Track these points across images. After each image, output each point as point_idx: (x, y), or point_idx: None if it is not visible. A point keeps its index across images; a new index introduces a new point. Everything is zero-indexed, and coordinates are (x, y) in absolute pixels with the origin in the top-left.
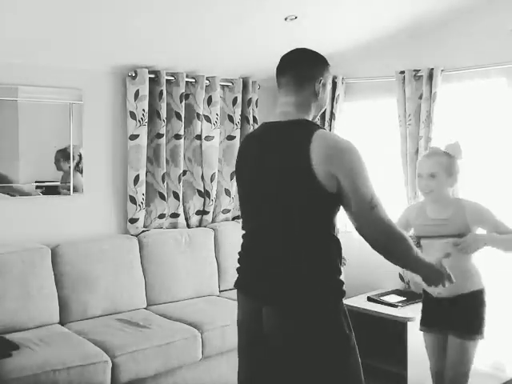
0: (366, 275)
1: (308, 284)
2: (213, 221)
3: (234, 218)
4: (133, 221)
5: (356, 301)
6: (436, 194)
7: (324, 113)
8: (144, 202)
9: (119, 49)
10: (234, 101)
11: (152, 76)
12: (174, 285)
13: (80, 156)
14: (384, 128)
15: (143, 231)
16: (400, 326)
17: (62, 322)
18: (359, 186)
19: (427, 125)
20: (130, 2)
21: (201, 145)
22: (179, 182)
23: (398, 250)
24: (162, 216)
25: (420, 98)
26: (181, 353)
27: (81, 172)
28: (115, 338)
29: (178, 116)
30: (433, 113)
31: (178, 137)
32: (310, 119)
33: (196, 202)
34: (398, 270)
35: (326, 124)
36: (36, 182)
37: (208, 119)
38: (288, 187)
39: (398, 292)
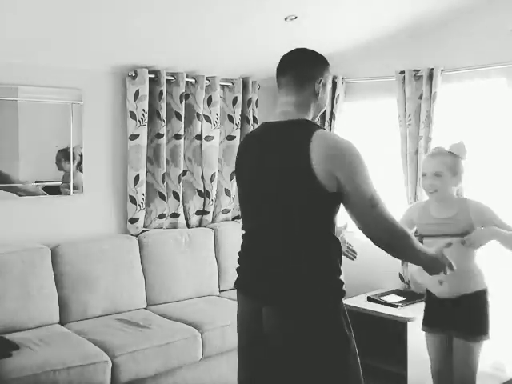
0: (366, 275)
1: (308, 284)
2: (213, 221)
3: (234, 218)
4: (133, 221)
5: (356, 301)
6: (440, 193)
7: (324, 113)
8: (144, 202)
9: (119, 49)
10: (234, 101)
11: (152, 76)
12: (173, 285)
13: (81, 156)
14: (384, 128)
15: (143, 231)
16: (400, 326)
17: (62, 322)
18: (359, 185)
19: (427, 125)
20: (130, 2)
21: (201, 145)
22: (179, 182)
23: (401, 246)
24: (161, 216)
25: (420, 98)
26: (181, 353)
27: (82, 172)
28: (115, 337)
29: (178, 116)
30: (433, 113)
31: (177, 137)
32: (310, 119)
33: (196, 202)
34: (398, 269)
35: (326, 124)
36: (36, 181)
37: (208, 119)
38: (288, 187)
39: (398, 292)
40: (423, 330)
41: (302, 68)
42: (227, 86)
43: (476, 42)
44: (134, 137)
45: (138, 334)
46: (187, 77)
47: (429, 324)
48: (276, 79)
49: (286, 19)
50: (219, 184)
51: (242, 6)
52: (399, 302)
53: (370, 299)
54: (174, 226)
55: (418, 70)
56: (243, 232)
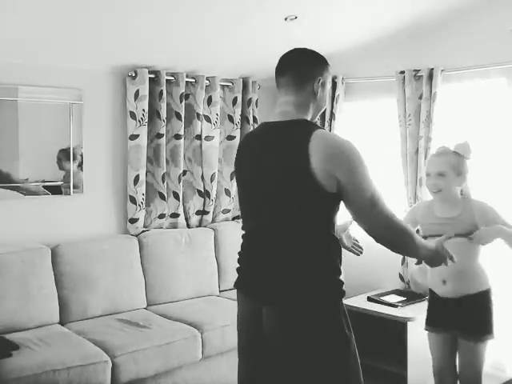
0: (366, 275)
1: (308, 284)
2: (213, 221)
3: (234, 218)
4: (133, 221)
5: (356, 301)
6: (444, 193)
7: (324, 113)
8: (144, 202)
9: (119, 49)
10: (234, 101)
11: (152, 76)
12: (173, 285)
13: (82, 156)
14: (384, 128)
15: (143, 231)
16: (400, 326)
17: (62, 322)
18: (360, 185)
19: (427, 125)
20: (130, 2)
21: (201, 145)
22: (179, 182)
23: (402, 243)
24: (162, 216)
25: (420, 98)
26: (181, 353)
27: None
28: (115, 337)
29: (178, 116)
30: (433, 113)
31: (177, 137)
32: (310, 119)
33: (196, 202)
34: (398, 269)
35: (326, 124)
36: (36, 181)
37: (208, 119)
38: (287, 187)
39: (398, 292)
40: (426, 329)
41: (301, 68)
42: (227, 85)
43: (476, 42)
44: (133, 137)
45: (138, 334)
46: (187, 77)
47: (432, 324)
48: (275, 79)
49: (286, 19)
50: (219, 184)
51: (241, 5)
52: (399, 302)
53: (369, 299)
54: (174, 226)
55: (418, 70)
56: (243, 232)
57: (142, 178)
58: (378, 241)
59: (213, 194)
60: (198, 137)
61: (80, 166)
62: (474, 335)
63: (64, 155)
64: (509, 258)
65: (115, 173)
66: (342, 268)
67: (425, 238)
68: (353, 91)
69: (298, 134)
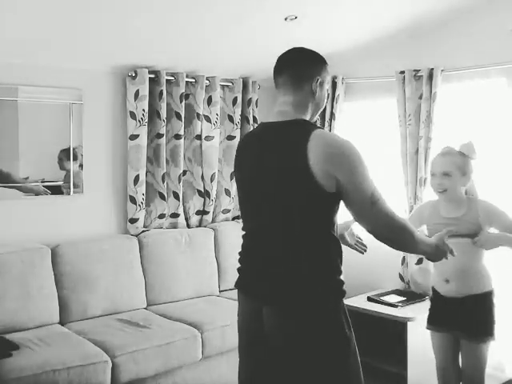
0: (365, 275)
1: (308, 284)
2: (213, 221)
3: (234, 218)
4: (133, 221)
5: (356, 301)
6: (449, 193)
7: (324, 113)
8: (144, 202)
9: (119, 49)
10: (234, 101)
11: (152, 76)
12: (174, 285)
13: (82, 156)
14: (384, 128)
15: (143, 231)
16: (400, 326)
17: (62, 322)
18: (359, 184)
19: (427, 125)
20: (130, 2)
21: (201, 145)
22: (179, 182)
23: (402, 240)
24: (162, 216)
25: (420, 98)
26: (181, 353)
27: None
28: (115, 337)
29: (178, 116)
30: (433, 113)
31: (177, 137)
32: (308, 118)
33: (196, 202)
34: (398, 269)
35: (326, 124)
36: (36, 181)
37: (208, 119)
38: (286, 187)
39: (398, 292)
40: (428, 328)
41: (299, 67)
42: (227, 85)
43: (476, 42)
44: (133, 137)
45: (138, 334)
46: (187, 77)
47: (433, 323)
48: (273, 79)
49: (286, 19)
50: (219, 184)
51: (242, 5)
52: (399, 302)
53: (369, 299)
54: (174, 226)
55: (418, 70)
56: (243, 232)
57: (142, 178)
58: (379, 239)
59: (213, 194)
60: (198, 137)
61: (80, 166)
62: (474, 336)
63: (65, 155)
64: (509, 259)
65: (115, 173)
66: (342, 268)
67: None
68: (353, 91)
69: (297, 133)
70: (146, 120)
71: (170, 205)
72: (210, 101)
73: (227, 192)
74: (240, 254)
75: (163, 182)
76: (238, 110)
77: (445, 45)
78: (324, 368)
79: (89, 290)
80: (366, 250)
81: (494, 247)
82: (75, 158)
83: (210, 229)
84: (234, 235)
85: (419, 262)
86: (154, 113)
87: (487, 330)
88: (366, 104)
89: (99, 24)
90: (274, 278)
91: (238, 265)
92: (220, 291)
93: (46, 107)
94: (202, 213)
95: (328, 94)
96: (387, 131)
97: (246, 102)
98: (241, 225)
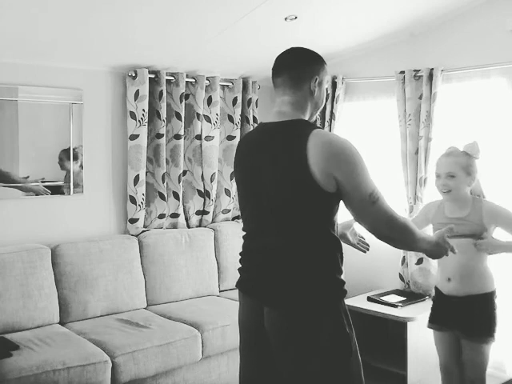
0: (366, 275)
1: (309, 284)
2: (213, 221)
3: (234, 218)
4: (133, 221)
5: (356, 301)
6: (454, 193)
7: (324, 113)
8: (144, 202)
9: (119, 49)
10: (234, 101)
11: (152, 76)
12: (173, 285)
13: (82, 156)
14: (384, 128)
15: (143, 231)
16: (400, 326)
17: (62, 322)
18: (359, 184)
19: (427, 125)
20: (130, 3)
21: (201, 145)
22: (179, 182)
23: (402, 238)
24: (162, 216)
25: (420, 98)
26: (181, 353)
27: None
28: (115, 338)
29: (178, 116)
30: (433, 113)
31: (177, 137)
32: (307, 118)
33: (196, 202)
34: (397, 269)
35: (326, 124)
36: (36, 181)
37: (208, 119)
38: (286, 187)
39: (397, 292)
40: (429, 327)
41: (297, 67)
42: (227, 86)
43: (476, 42)
44: (133, 137)
45: (138, 334)
46: (187, 77)
47: (434, 321)
48: (272, 79)
49: (285, 19)
50: (219, 184)
51: (242, 6)
52: (399, 302)
53: (370, 299)
54: (174, 226)
55: (418, 70)
56: (244, 233)
57: (142, 177)
58: (380, 238)
59: (213, 194)
60: (198, 137)
61: (81, 166)
62: (474, 336)
63: (66, 155)
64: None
65: (115, 173)
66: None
67: None
68: (353, 91)
69: (296, 133)
70: (146, 120)
71: (169, 205)
72: (210, 101)
73: (227, 192)
74: (241, 254)
75: (163, 182)
76: (238, 110)
77: (445, 45)
78: (325, 368)
79: (89, 290)
80: (368, 249)
81: (495, 253)
82: (75, 158)
83: (210, 229)
84: (234, 235)
85: (419, 262)
86: (154, 113)
87: (487, 331)
88: (366, 104)
89: (99, 24)
90: (275, 278)
91: (239, 265)
92: (220, 291)
93: (46, 107)
94: (202, 213)
95: (328, 94)
96: (387, 131)
97: (246, 102)
98: (241, 225)
